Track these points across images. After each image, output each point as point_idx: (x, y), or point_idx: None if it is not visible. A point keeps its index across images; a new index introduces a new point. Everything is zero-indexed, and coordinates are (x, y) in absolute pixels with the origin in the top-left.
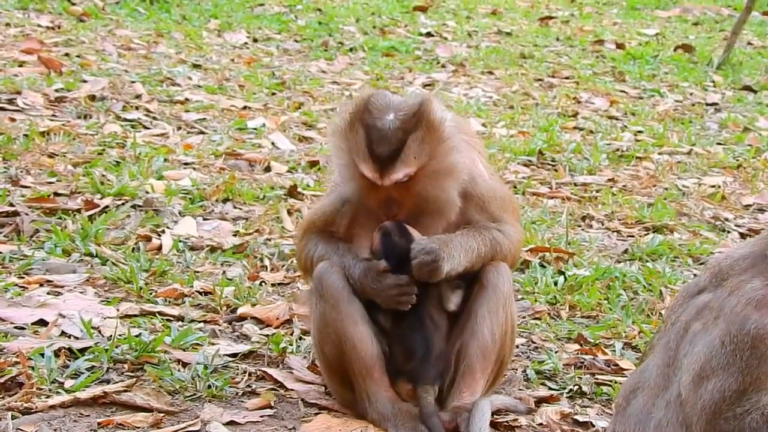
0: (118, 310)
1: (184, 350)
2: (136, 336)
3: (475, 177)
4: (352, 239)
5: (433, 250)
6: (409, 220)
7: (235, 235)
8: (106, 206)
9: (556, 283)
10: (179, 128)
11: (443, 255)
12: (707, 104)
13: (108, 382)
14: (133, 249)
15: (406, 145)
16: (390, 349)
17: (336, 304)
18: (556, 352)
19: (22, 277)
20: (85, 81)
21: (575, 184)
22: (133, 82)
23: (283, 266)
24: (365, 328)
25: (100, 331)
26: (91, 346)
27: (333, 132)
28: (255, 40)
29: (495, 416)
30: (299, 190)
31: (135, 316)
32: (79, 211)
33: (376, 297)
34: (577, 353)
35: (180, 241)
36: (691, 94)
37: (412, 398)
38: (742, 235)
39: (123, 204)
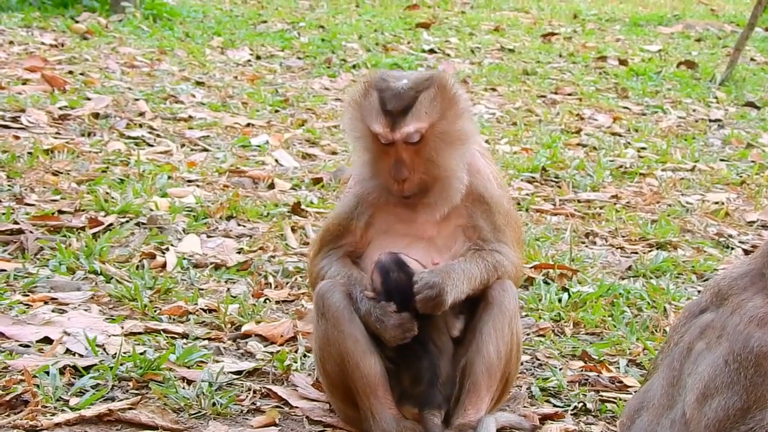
0: (122, 327)
1: (188, 368)
2: (141, 353)
3: (486, 178)
4: (368, 247)
5: (436, 284)
6: (415, 202)
7: (239, 253)
8: (111, 224)
9: (560, 300)
10: (183, 145)
11: (447, 288)
12: (710, 120)
13: (113, 399)
14: (138, 266)
15: (417, 101)
16: (396, 373)
17: (338, 323)
18: (560, 369)
19: (27, 295)
20: (88, 99)
21: (579, 201)
22: (137, 99)
23: (287, 283)
24: (368, 346)
25: (104, 349)
26: (96, 364)
27: (348, 104)
28: (258, 57)
29: None
30: (303, 207)
31: (139, 333)
32: (83, 228)
33: (380, 335)
34: (582, 370)
35: (184, 259)
36: (694, 110)
37: (418, 422)
38: (746, 252)
39: (127, 221)
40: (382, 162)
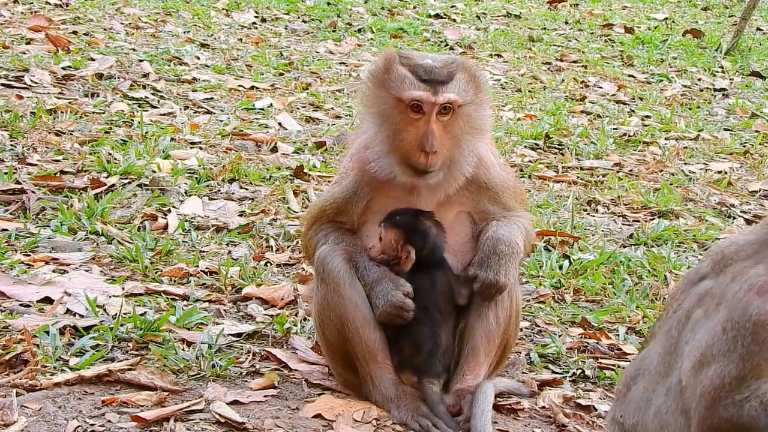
0: (123, 288)
1: (188, 329)
2: (141, 315)
3: (488, 165)
4: (363, 226)
5: (498, 282)
6: (421, 183)
7: (240, 216)
8: (113, 185)
9: (561, 267)
10: (186, 108)
11: (501, 279)
12: (715, 90)
13: (113, 360)
14: (139, 228)
15: (455, 75)
16: (396, 341)
17: (338, 288)
18: (559, 336)
19: (28, 255)
20: (92, 59)
21: (582, 169)
22: (141, 60)
23: (288, 247)
24: (367, 311)
25: (105, 310)
26: (96, 325)
27: (368, 78)
28: (263, 20)
29: (498, 399)
30: (306, 171)
31: (140, 294)
32: (85, 189)
33: (377, 305)
34: (581, 337)
35: (186, 221)
36: (699, 79)
37: (417, 388)
38: (748, 221)
39: (129, 183)
40: (407, 134)
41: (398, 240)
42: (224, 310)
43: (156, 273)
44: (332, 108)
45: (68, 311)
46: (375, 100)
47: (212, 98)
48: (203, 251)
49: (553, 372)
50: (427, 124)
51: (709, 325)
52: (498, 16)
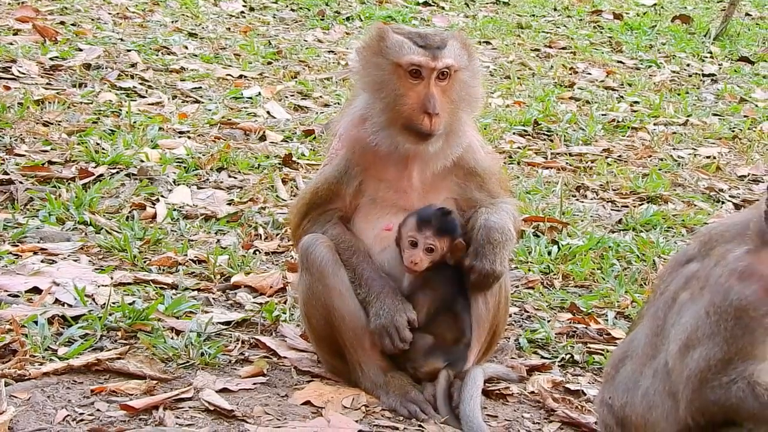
0: (111, 278)
1: (177, 318)
2: (130, 304)
3: (475, 150)
4: (356, 213)
5: (494, 271)
6: (415, 153)
7: (229, 204)
8: (101, 175)
9: (549, 253)
10: (174, 97)
11: (497, 268)
12: (704, 75)
13: (101, 349)
14: (128, 217)
15: (449, 42)
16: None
17: (322, 277)
18: (548, 321)
19: (17, 245)
20: (80, 49)
21: (570, 155)
22: (129, 50)
23: (277, 235)
24: (353, 299)
25: (93, 299)
26: (84, 314)
27: (363, 49)
28: (251, 9)
29: (487, 384)
30: (294, 159)
31: (129, 284)
32: (73, 179)
33: (378, 315)
34: (570, 322)
35: (174, 210)
36: (688, 65)
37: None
38: (737, 206)
39: (117, 173)
40: (408, 98)
41: (451, 240)
42: (213, 299)
43: (144, 262)
44: (321, 96)
45: (57, 301)
46: (371, 68)
47: (200, 87)
48: (192, 240)
49: (542, 357)
50: (428, 87)
51: (694, 308)
52: (486, 3)
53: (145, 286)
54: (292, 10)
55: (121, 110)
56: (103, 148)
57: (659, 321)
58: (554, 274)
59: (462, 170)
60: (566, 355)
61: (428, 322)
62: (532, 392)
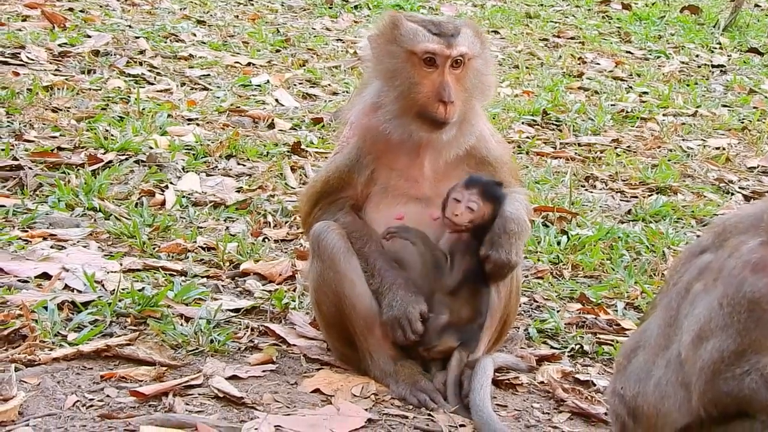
0: (121, 264)
1: (186, 305)
2: (139, 290)
3: (487, 139)
4: (368, 201)
5: (510, 261)
6: (428, 141)
7: (238, 191)
8: (110, 161)
9: (559, 243)
10: (183, 84)
11: (513, 258)
12: (713, 66)
13: (111, 335)
14: (137, 204)
15: (463, 30)
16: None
17: (333, 264)
18: (558, 312)
19: (26, 231)
20: (89, 36)
21: (579, 145)
22: (137, 37)
23: (286, 222)
24: (364, 287)
25: (103, 285)
26: (94, 300)
27: (375, 38)
28: None
29: (497, 374)
30: (303, 147)
31: (138, 270)
32: (82, 165)
33: (391, 306)
34: (579, 313)
35: (183, 197)
36: (697, 55)
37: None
38: (746, 197)
39: (126, 159)
40: (422, 86)
41: (493, 208)
42: (222, 286)
43: (154, 249)
44: (329, 84)
45: (66, 287)
46: (384, 56)
47: (209, 75)
48: (201, 227)
49: (552, 347)
50: (442, 75)
51: (708, 299)
52: None
53: (155, 273)
54: None
55: (129, 97)
56: (112, 135)
57: (672, 311)
58: (564, 265)
59: (474, 159)
60: (576, 345)
61: (458, 287)
62: (542, 382)
